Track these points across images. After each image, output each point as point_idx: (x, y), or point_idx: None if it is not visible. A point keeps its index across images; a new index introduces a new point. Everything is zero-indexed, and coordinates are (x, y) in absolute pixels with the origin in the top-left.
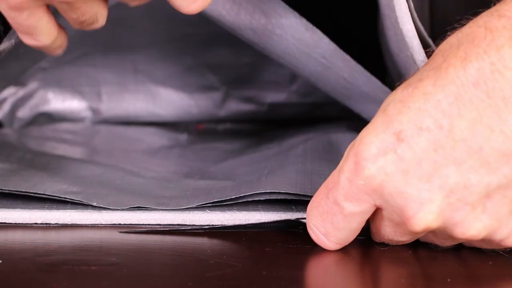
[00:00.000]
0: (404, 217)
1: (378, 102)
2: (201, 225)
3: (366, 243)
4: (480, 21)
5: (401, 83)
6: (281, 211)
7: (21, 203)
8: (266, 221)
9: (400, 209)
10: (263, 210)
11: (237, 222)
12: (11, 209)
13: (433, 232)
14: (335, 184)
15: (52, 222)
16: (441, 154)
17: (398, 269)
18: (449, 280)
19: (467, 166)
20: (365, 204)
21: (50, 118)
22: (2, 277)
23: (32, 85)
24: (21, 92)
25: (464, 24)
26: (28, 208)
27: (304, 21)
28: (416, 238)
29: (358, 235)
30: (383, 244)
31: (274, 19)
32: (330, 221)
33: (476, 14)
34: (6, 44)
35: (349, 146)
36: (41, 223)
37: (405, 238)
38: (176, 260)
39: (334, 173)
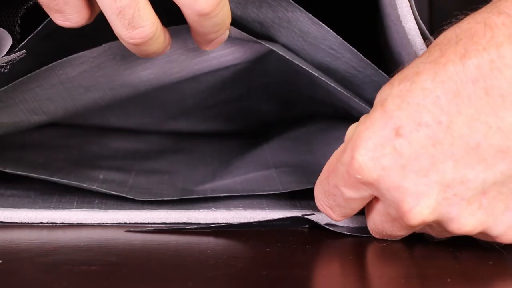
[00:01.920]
0: (401, 211)
1: None
2: (206, 223)
3: (365, 243)
4: (479, 17)
5: (394, 74)
6: (286, 208)
7: (27, 202)
8: (271, 218)
9: (396, 203)
10: (269, 208)
11: (242, 220)
12: (17, 209)
13: (429, 225)
14: (334, 170)
15: (58, 222)
16: (439, 150)
17: (398, 269)
18: (448, 280)
19: (464, 162)
20: (364, 192)
21: None
22: (2, 277)
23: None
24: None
25: (461, 19)
26: (34, 208)
27: (309, 15)
28: (413, 231)
29: (364, 234)
30: (383, 240)
31: (281, 13)
32: (333, 199)
33: (474, 9)
34: (18, 53)
35: (347, 135)
36: (47, 223)
37: (402, 232)
38: (176, 260)
39: (333, 157)
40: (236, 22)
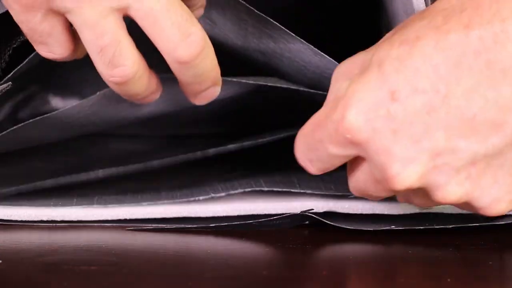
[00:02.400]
0: (387, 175)
1: None
2: (206, 217)
3: (365, 243)
4: None
5: (389, 31)
6: (284, 188)
7: (27, 200)
8: (272, 212)
9: (384, 166)
10: (267, 190)
11: (242, 213)
12: (16, 207)
13: (414, 192)
14: (322, 125)
15: (58, 219)
16: (434, 118)
17: (398, 269)
18: (449, 280)
19: (458, 132)
20: (350, 151)
21: None
22: (2, 277)
23: (32, 88)
24: (21, 95)
25: None
26: (34, 206)
27: (310, 46)
28: (394, 195)
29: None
30: (384, 244)
31: (282, 44)
32: (315, 153)
33: None
34: (3, 85)
35: (340, 89)
36: (47, 220)
37: (384, 194)
38: (176, 260)
39: (322, 112)
40: (238, 52)
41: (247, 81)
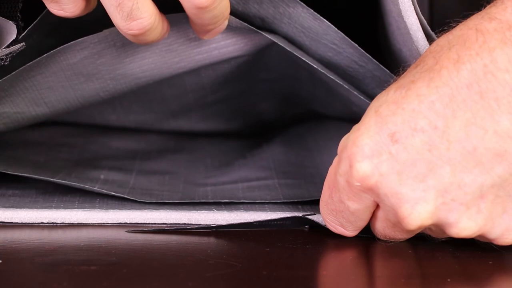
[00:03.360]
0: (399, 217)
1: None
2: (206, 224)
3: (365, 244)
4: (470, 23)
5: (391, 83)
6: (287, 211)
7: (29, 202)
8: (272, 218)
9: (394, 209)
10: (270, 211)
11: (243, 221)
12: (18, 209)
13: (429, 228)
14: (335, 185)
15: (58, 221)
16: (436, 155)
17: (398, 269)
18: (449, 280)
19: (461, 167)
20: (367, 201)
21: None
22: (2, 277)
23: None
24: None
25: (454, 27)
26: (36, 208)
27: (310, 11)
28: (414, 234)
29: (364, 234)
30: (384, 244)
31: (282, 8)
32: (341, 216)
33: (466, 17)
34: (18, 45)
35: (341, 146)
36: (48, 223)
37: (404, 236)
38: (176, 260)
39: (331, 171)
40: (237, 17)
41: (260, 32)
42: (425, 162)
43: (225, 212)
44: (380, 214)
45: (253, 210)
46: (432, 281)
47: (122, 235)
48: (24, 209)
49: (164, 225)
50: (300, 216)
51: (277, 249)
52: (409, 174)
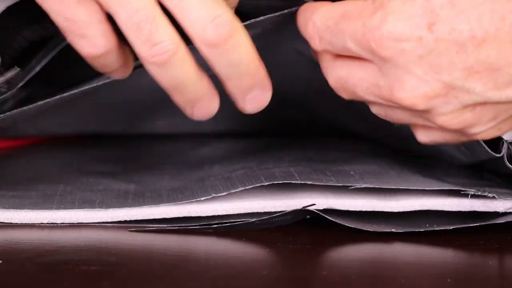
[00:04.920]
0: (397, 88)
1: None
2: (207, 216)
3: (365, 243)
4: None
5: None
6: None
7: (29, 203)
8: (271, 210)
9: (398, 80)
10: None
11: (242, 211)
12: (18, 210)
13: (412, 110)
14: (351, 20)
15: (58, 222)
16: (461, 59)
17: (398, 269)
18: (449, 280)
19: (478, 77)
20: (365, 55)
21: None
22: (2, 277)
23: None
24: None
25: None
26: (36, 208)
27: None
28: (381, 108)
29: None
30: (384, 244)
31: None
32: (329, 36)
33: None
34: (13, 72)
35: None
36: (47, 223)
37: (371, 98)
38: (177, 260)
39: (358, 5)
40: (248, 10)
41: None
42: (448, 60)
43: (223, 202)
44: (372, 72)
45: (251, 198)
46: (432, 281)
47: (122, 235)
48: (24, 210)
49: (164, 221)
50: (300, 209)
51: (277, 249)
52: (429, 62)
